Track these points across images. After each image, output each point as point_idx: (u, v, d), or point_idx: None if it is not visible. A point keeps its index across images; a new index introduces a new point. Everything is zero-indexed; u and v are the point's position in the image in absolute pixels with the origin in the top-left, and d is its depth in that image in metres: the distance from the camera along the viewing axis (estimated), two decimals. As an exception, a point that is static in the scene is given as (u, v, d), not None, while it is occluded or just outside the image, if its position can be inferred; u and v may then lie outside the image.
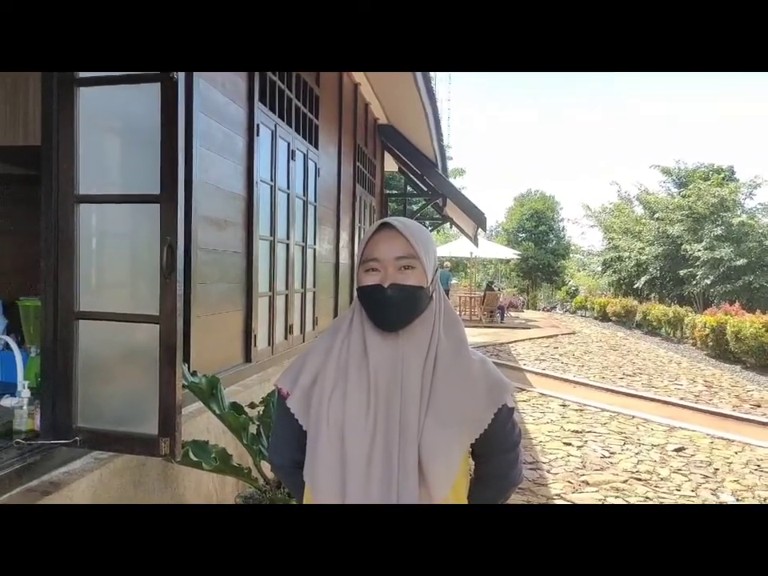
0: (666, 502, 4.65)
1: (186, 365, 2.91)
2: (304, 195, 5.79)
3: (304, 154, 5.75)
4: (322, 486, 1.33)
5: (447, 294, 20.56)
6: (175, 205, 2.28)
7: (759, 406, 8.18)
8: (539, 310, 29.35)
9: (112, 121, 2.54)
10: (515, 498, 4.57)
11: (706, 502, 4.29)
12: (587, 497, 4.71)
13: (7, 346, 2.99)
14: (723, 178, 22.96)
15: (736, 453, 6.06)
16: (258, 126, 4.37)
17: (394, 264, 1.36)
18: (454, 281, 31.78)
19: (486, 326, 17.94)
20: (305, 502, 1.41)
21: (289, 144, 5.26)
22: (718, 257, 19.69)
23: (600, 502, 4.59)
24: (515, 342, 14.66)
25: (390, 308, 1.34)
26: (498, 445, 1.44)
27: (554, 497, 4.69)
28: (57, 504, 2.04)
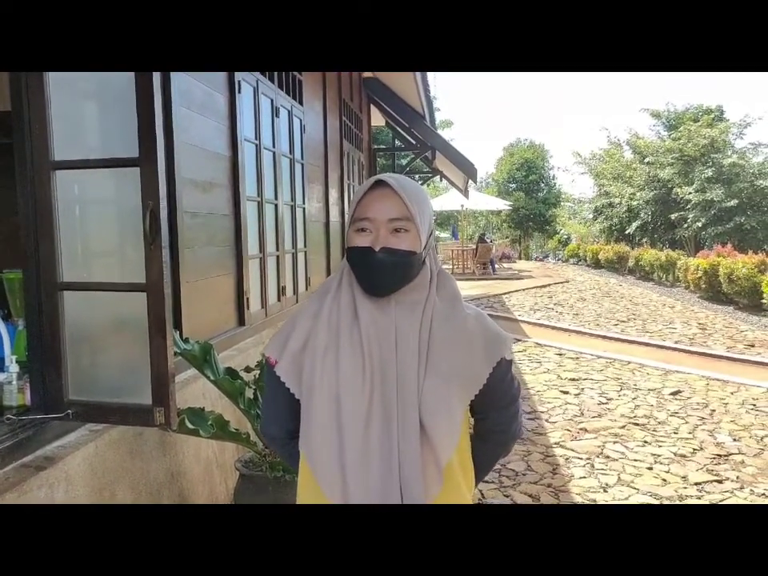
0: (664, 445, 4.69)
1: (178, 332, 2.86)
2: (290, 153, 5.67)
3: (288, 111, 5.61)
4: (318, 455, 1.29)
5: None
6: (155, 167, 2.19)
7: (753, 346, 8.23)
8: (532, 259, 29.36)
9: (85, 81, 2.42)
10: (515, 449, 4.60)
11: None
12: (586, 444, 4.74)
13: (-6, 320, 2.93)
14: (713, 119, 22.73)
15: (732, 393, 6.11)
16: (239, 82, 4.24)
17: (387, 226, 1.28)
18: (443, 234, 31.71)
19: (479, 279, 17.94)
20: (301, 473, 1.37)
21: (272, 101, 5.11)
22: (709, 199, 19.65)
23: (599, 449, 4.62)
24: (509, 293, 14.68)
25: (380, 273, 1.28)
26: (499, 399, 1.41)
27: (554, 445, 4.72)
28: (49, 504, 2.01)
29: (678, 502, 3.74)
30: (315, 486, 1.30)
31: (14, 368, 2.46)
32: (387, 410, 1.26)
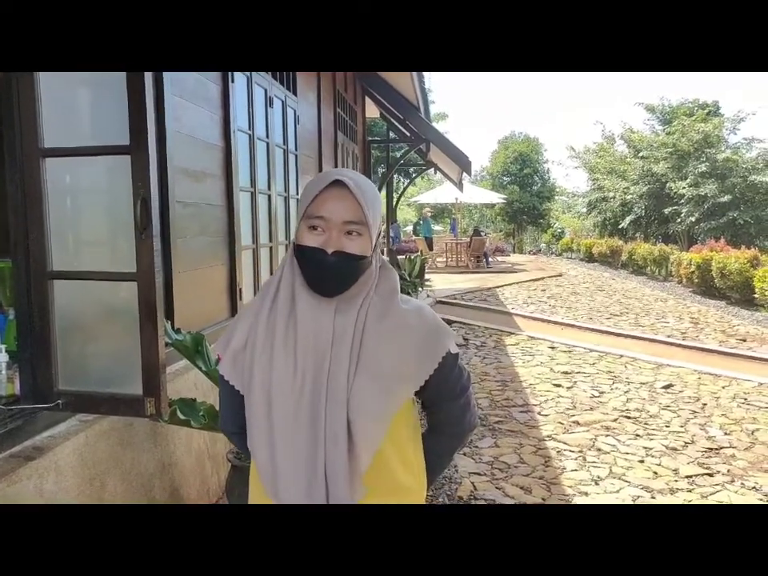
0: (656, 438, 4.71)
1: (169, 322, 2.84)
2: (284, 144, 5.64)
3: (282, 101, 5.57)
4: (256, 451, 1.30)
5: (431, 243, 19.96)
6: (146, 155, 2.17)
7: (745, 341, 8.26)
8: (525, 253, 29.38)
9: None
10: (510, 442, 4.61)
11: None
12: (578, 437, 4.75)
13: (-17, 309, 2.91)
14: (708, 114, 22.74)
15: (723, 387, 6.12)
16: (232, 72, 4.20)
17: (341, 228, 1.26)
18: (438, 227, 31.63)
19: (472, 272, 17.94)
20: (251, 469, 1.39)
21: (266, 91, 5.08)
22: (703, 194, 19.69)
23: (591, 442, 4.63)
24: (503, 286, 14.68)
25: (330, 275, 1.26)
26: (447, 392, 1.41)
27: (546, 438, 4.73)
28: (43, 504, 1.99)
29: (667, 496, 3.75)
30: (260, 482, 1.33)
31: (3, 357, 2.44)
32: (315, 409, 1.25)
